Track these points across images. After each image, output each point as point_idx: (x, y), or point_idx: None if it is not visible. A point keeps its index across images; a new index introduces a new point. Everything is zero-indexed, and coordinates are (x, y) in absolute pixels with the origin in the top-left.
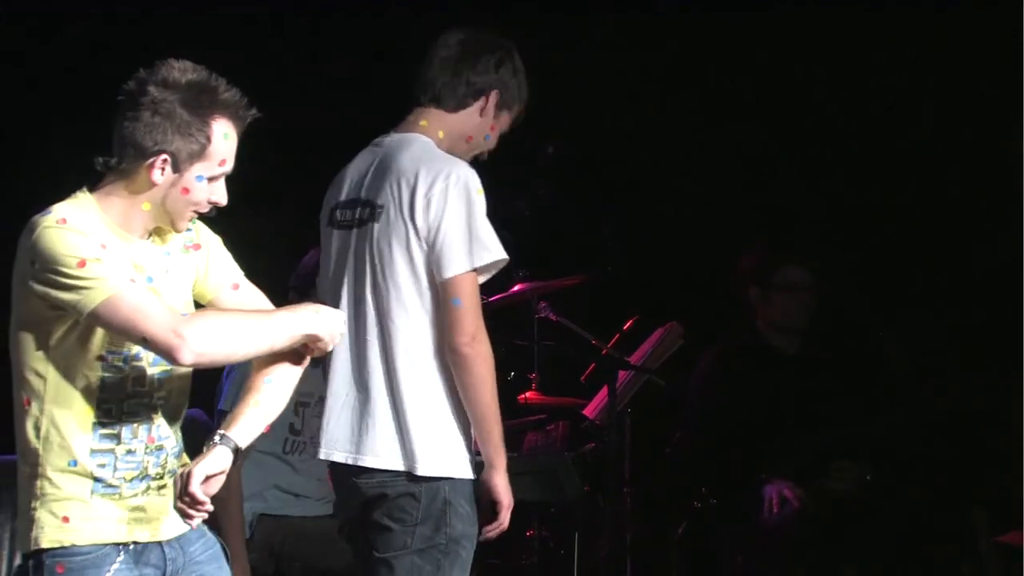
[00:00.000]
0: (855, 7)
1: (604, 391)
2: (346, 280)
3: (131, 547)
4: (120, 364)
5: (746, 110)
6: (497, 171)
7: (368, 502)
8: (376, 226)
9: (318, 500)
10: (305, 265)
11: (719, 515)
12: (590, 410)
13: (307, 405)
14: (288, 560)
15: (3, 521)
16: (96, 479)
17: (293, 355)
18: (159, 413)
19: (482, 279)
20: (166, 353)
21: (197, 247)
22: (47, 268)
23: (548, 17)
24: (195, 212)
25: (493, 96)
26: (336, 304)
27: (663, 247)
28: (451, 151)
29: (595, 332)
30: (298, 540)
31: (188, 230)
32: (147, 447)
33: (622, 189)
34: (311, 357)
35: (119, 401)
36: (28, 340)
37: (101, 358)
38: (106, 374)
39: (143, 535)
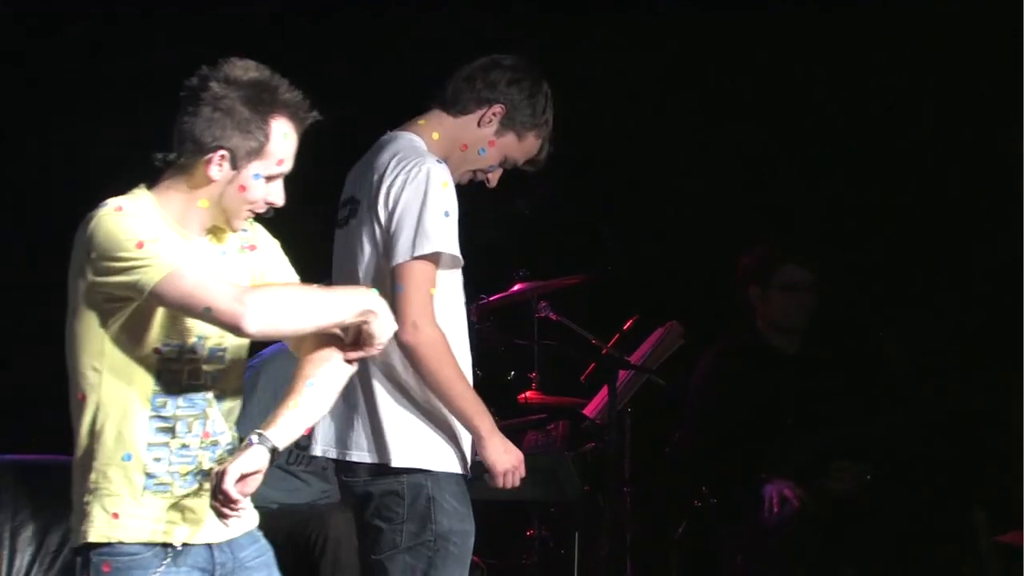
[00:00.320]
0: (855, 7)
1: (604, 391)
2: (339, 279)
3: (179, 548)
4: (175, 357)
5: (746, 110)
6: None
7: (359, 503)
8: (353, 222)
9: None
10: None
11: (719, 515)
12: (590, 410)
13: None
14: (310, 542)
15: (3, 521)
16: (149, 475)
17: (337, 360)
18: (214, 408)
19: (443, 273)
20: (230, 322)
21: (253, 248)
22: (105, 255)
23: (548, 17)
24: (251, 212)
25: (497, 109)
26: None
27: (663, 247)
28: (447, 156)
29: (595, 332)
30: (320, 520)
31: (244, 231)
32: (202, 442)
33: (622, 189)
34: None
35: (174, 395)
36: (84, 334)
37: (156, 351)
38: (161, 367)
39: (192, 536)
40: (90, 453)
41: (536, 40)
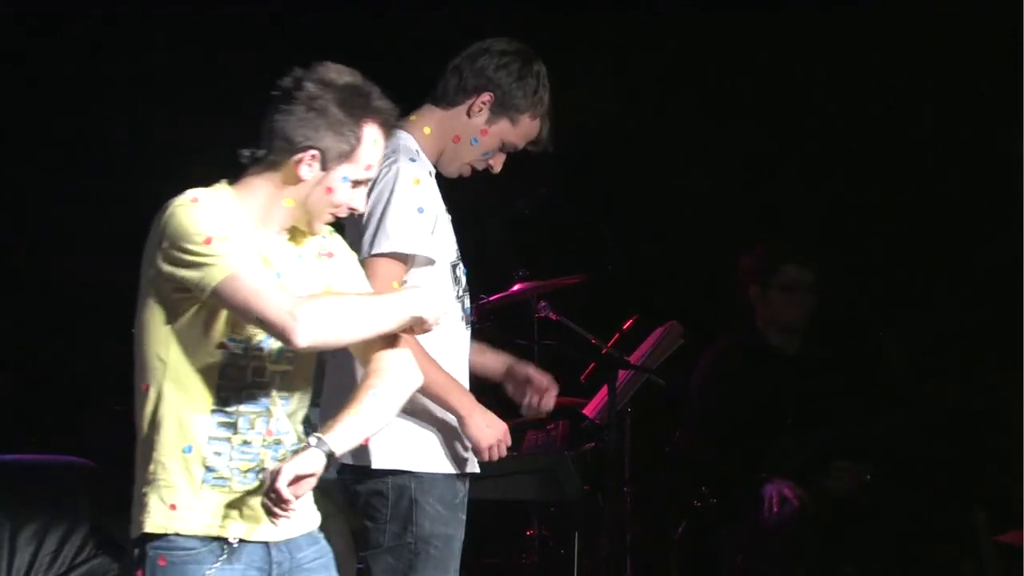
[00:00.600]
0: (855, 7)
1: (604, 390)
2: None
3: (235, 545)
4: (240, 353)
5: (746, 110)
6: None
7: (350, 500)
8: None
9: None
10: None
11: (719, 514)
12: (590, 409)
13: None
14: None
15: (3, 521)
16: (208, 468)
17: (401, 373)
18: (278, 407)
19: (420, 272)
20: (281, 335)
21: (330, 255)
22: (175, 245)
23: (548, 17)
24: (333, 215)
25: (485, 97)
26: None
27: (663, 247)
28: (440, 150)
29: (595, 331)
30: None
31: (323, 237)
32: (264, 440)
33: (622, 189)
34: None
35: (238, 390)
36: (152, 324)
37: (222, 345)
38: (226, 362)
39: (250, 533)
40: (150, 443)
41: (536, 40)
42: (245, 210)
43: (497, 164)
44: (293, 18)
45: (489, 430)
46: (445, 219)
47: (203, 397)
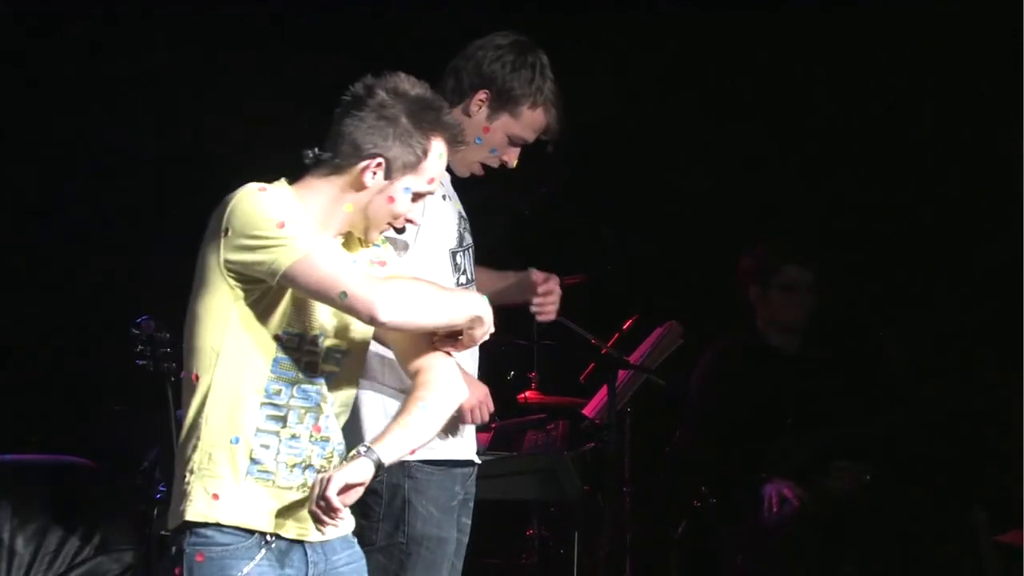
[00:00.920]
0: (855, 7)
1: (604, 390)
2: None
3: (274, 543)
4: (295, 347)
5: (746, 110)
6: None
7: None
8: None
9: None
10: None
11: (719, 514)
12: (590, 409)
13: None
14: None
15: (2, 521)
16: (254, 460)
17: (450, 386)
18: (327, 405)
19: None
20: (364, 309)
21: (383, 264)
22: (242, 232)
23: (548, 17)
24: (391, 225)
25: (482, 95)
26: None
27: (663, 247)
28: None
29: (595, 331)
30: None
31: (376, 245)
32: (312, 435)
33: (622, 189)
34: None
35: (289, 384)
36: (208, 314)
37: (277, 338)
38: (280, 354)
39: (289, 531)
40: (196, 433)
41: (536, 40)
42: (305, 211)
43: (511, 159)
44: (293, 18)
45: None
46: (440, 206)
47: (254, 389)
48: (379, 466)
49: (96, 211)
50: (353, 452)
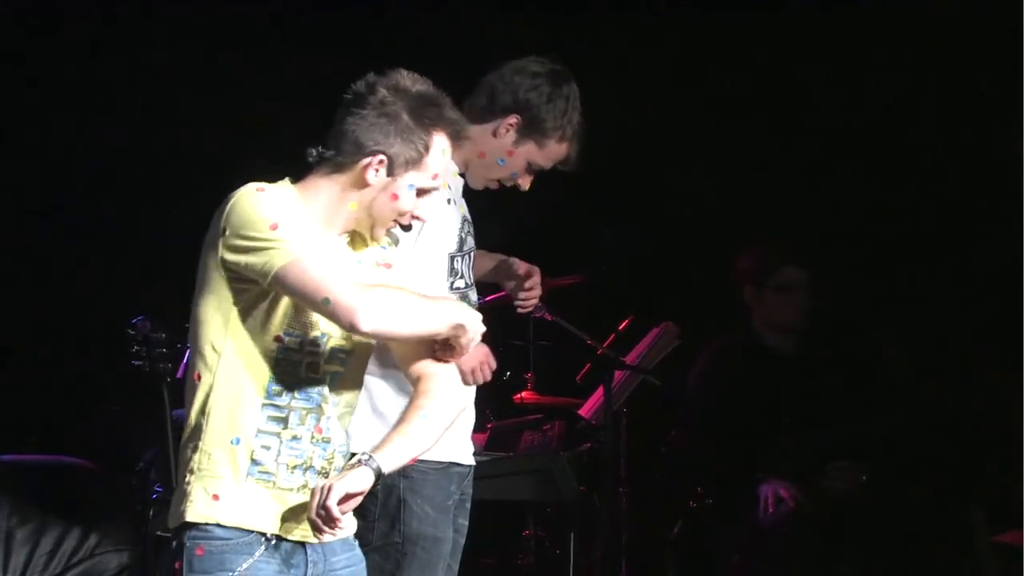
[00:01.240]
0: (855, 7)
1: (600, 391)
2: None
3: (274, 541)
4: (296, 348)
5: (746, 110)
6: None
7: None
8: None
9: None
10: None
11: (715, 515)
12: (586, 410)
13: None
14: None
15: (1, 520)
16: (255, 461)
17: (451, 394)
18: (329, 406)
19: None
20: (346, 317)
21: (389, 266)
22: (238, 232)
23: (548, 17)
24: (396, 222)
25: (512, 120)
26: None
27: (659, 247)
28: (466, 160)
29: (591, 332)
30: None
31: (383, 247)
32: (313, 436)
33: (621, 189)
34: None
35: (290, 385)
36: (210, 314)
37: (278, 339)
38: (281, 355)
39: (290, 532)
40: (198, 434)
41: (536, 40)
42: (308, 209)
43: (525, 184)
44: (293, 18)
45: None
46: (446, 208)
47: (255, 389)
48: (379, 475)
49: (96, 211)
50: (354, 460)
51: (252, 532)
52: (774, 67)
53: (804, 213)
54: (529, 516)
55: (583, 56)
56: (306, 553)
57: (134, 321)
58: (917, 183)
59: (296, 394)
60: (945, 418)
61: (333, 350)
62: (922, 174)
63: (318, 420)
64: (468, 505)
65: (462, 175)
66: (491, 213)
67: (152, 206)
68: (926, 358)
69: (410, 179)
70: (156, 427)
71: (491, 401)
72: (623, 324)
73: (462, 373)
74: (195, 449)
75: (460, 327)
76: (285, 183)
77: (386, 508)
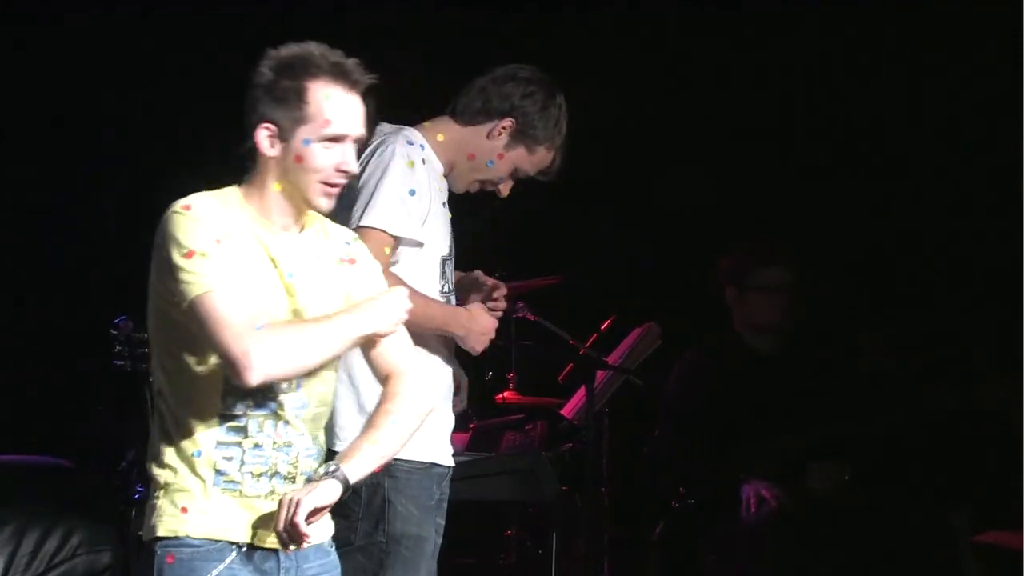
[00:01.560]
0: (855, 7)
1: (582, 391)
2: None
3: (245, 549)
4: None
5: (746, 110)
6: None
7: None
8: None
9: None
10: None
11: (697, 515)
12: (568, 410)
13: None
14: None
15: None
16: (219, 472)
17: (419, 397)
18: (287, 410)
19: (408, 251)
20: (234, 371)
21: (352, 262)
22: (162, 254)
23: (548, 17)
24: (325, 183)
25: (507, 123)
26: None
27: (642, 248)
28: (451, 161)
29: (573, 332)
30: None
31: (347, 243)
32: (275, 442)
33: (605, 189)
34: None
35: (244, 395)
36: (155, 331)
37: None
38: None
39: (260, 539)
40: (162, 449)
41: (536, 40)
42: (250, 209)
43: (505, 189)
44: (293, 18)
45: (474, 322)
46: (440, 212)
47: (210, 403)
48: (347, 486)
49: (96, 211)
50: (321, 472)
51: (222, 541)
52: (774, 67)
53: (796, 214)
54: (511, 516)
55: (583, 56)
56: (278, 560)
57: (116, 321)
58: (917, 183)
59: (251, 403)
60: (925, 419)
61: None
62: (922, 174)
63: (276, 426)
64: (445, 505)
65: (446, 177)
66: (469, 215)
67: (151, 206)
68: (915, 358)
69: (303, 135)
70: (138, 427)
71: (473, 401)
72: (605, 324)
73: (472, 346)
74: (161, 464)
75: (368, 337)
76: (232, 188)
77: (370, 508)
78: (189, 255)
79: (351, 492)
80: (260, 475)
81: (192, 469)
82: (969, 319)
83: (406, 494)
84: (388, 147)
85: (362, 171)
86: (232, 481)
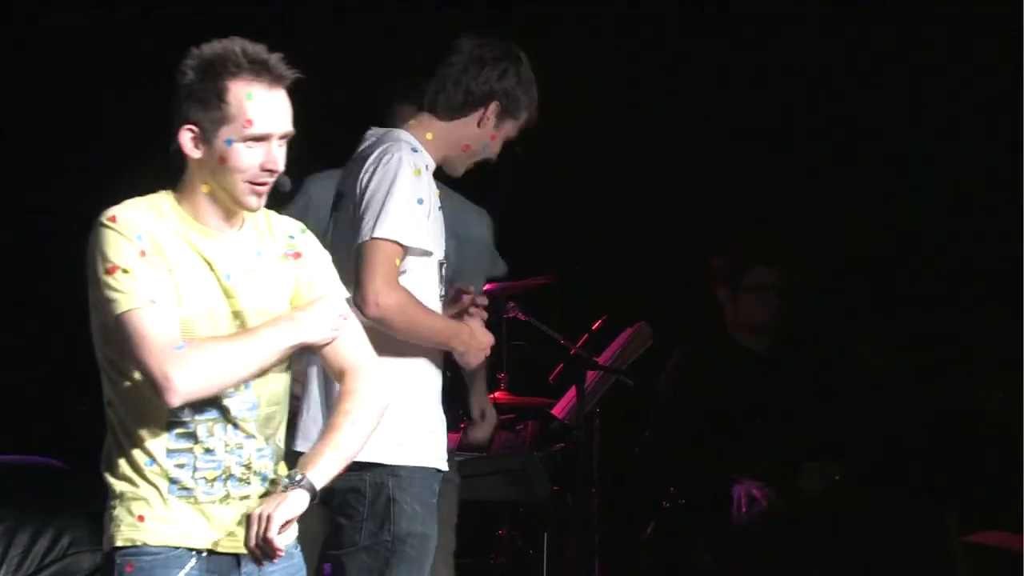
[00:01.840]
0: (855, 7)
1: (573, 391)
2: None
3: (204, 554)
4: None
5: (745, 110)
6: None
7: (324, 497)
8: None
9: None
10: None
11: (688, 515)
12: (559, 410)
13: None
14: None
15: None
16: (172, 480)
17: (377, 394)
18: (233, 413)
19: (415, 260)
20: (157, 391)
21: (298, 256)
22: (89, 266)
23: (548, 17)
24: (252, 183)
25: (493, 107)
26: None
27: (633, 247)
28: (445, 156)
29: (564, 332)
30: None
31: (291, 236)
32: (226, 446)
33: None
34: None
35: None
36: (97, 341)
37: None
38: None
39: (219, 544)
40: (115, 459)
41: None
42: (182, 213)
43: (494, 156)
44: (293, 18)
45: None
46: (437, 217)
47: (157, 411)
48: (314, 494)
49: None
50: (286, 482)
51: (181, 548)
52: (774, 67)
53: (795, 214)
54: (503, 516)
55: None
56: (239, 565)
57: None
58: (917, 183)
59: (196, 409)
60: (917, 419)
61: None
62: (922, 174)
63: (225, 429)
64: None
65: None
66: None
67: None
68: (914, 358)
69: (225, 135)
70: None
71: (464, 401)
72: (596, 324)
73: (475, 358)
74: (114, 474)
75: (297, 347)
76: (165, 193)
77: (375, 507)
78: (112, 271)
79: (354, 492)
80: (214, 480)
81: (145, 478)
82: (969, 319)
83: (411, 492)
84: (393, 156)
85: (368, 181)
86: (185, 488)
